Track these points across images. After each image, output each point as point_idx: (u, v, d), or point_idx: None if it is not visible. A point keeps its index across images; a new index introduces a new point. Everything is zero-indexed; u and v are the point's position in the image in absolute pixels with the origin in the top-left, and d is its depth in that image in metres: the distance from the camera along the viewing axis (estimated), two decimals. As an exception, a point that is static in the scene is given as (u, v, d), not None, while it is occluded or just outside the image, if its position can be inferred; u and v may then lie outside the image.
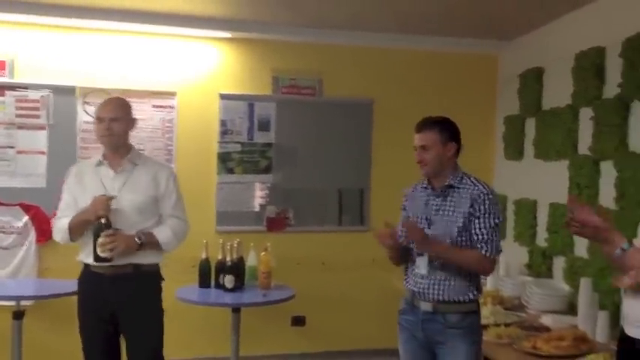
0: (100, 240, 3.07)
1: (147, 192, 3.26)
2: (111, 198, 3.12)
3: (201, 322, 4.74)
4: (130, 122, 3.32)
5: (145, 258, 3.26)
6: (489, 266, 2.87)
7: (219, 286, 4.27)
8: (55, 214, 3.39)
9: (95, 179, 3.24)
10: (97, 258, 3.11)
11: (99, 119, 3.23)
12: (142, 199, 3.24)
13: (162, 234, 3.27)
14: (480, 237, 2.80)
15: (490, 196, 2.83)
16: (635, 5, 3.56)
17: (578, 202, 2.41)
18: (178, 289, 4.27)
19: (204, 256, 4.37)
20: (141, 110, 4.80)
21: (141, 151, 3.45)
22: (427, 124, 2.91)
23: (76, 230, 3.19)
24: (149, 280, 3.35)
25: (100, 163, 3.28)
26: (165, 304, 4.61)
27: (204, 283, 4.35)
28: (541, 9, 4.21)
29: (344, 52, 5.14)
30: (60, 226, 3.24)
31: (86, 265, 3.25)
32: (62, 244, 3.32)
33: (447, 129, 2.89)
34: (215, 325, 4.65)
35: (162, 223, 3.31)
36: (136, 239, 3.16)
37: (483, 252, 2.79)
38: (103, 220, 3.07)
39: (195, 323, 4.76)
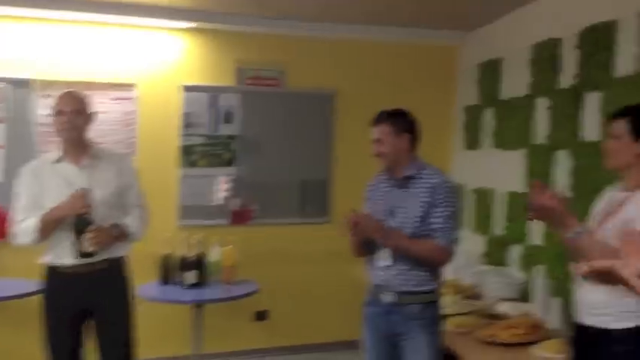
0: (88, 235, 3.02)
1: (114, 185, 3.23)
2: (89, 192, 3.05)
3: (163, 319, 4.66)
4: (90, 116, 3.27)
5: (117, 251, 3.25)
6: (446, 255, 2.91)
7: (181, 282, 4.23)
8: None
9: (56, 176, 3.16)
10: (83, 254, 3.06)
11: (59, 112, 3.14)
12: (111, 193, 3.21)
13: (134, 225, 3.26)
14: (437, 226, 2.84)
15: (448, 185, 2.89)
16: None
17: (540, 187, 2.45)
18: (139, 286, 4.21)
19: (165, 251, 4.32)
20: (101, 102, 4.73)
21: (98, 144, 3.40)
22: (380, 117, 2.96)
23: (48, 229, 3.09)
24: (122, 273, 3.34)
25: (59, 160, 3.19)
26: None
27: (165, 279, 4.29)
28: (499, 1, 4.25)
29: (307, 43, 5.13)
30: (25, 227, 3.10)
31: (54, 267, 3.16)
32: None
33: (399, 121, 2.94)
34: (177, 322, 4.59)
35: (128, 213, 3.28)
36: (113, 232, 3.14)
37: (440, 242, 2.84)
38: (86, 215, 3.03)
39: (156, 321, 4.65)
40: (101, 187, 3.17)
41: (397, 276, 2.89)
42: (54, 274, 3.18)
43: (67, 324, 3.17)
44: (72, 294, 3.15)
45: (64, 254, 3.10)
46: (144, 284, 4.25)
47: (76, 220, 3.03)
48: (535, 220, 2.50)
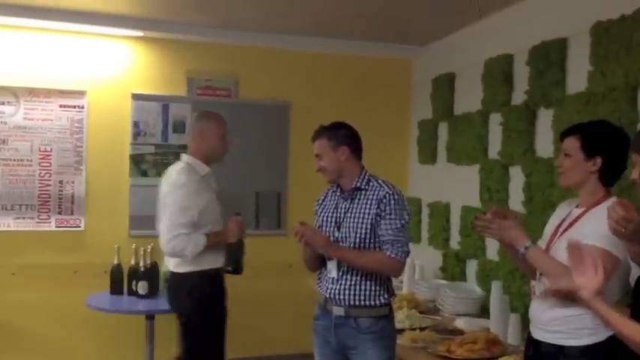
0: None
1: None
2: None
3: (113, 330, 4.56)
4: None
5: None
6: (398, 268, 2.90)
7: (132, 292, 4.16)
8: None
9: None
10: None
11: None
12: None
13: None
14: (387, 238, 2.82)
15: (395, 197, 2.86)
16: (541, 15, 3.69)
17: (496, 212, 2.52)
18: (88, 296, 4.14)
19: (116, 261, 4.26)
20: (48, 110, 4.63)
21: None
22: (317, 132, 2.99)
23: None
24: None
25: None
26: (73, 312, 4.49)
27: (116, 289, 4.24)
28: (452, 16, 4.30)
29: (260, 54, 5.10)
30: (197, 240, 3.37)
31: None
32: None
33: (335, 134, 2.94)
34: (128, 333, 4.49)
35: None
36: None
37: (389, 253, 2.81)
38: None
39: (107, 332, 4.60)
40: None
41: (346, 289, 2.87)
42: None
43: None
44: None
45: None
46: (94, 294, 4.17)
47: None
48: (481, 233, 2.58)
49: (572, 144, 2.45)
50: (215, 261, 3.46)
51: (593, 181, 2.42)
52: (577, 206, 2.49)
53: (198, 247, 3.34)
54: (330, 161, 2.92)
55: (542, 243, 2.58)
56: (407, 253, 2.88)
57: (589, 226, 2.34)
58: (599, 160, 2.39)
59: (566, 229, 2.45)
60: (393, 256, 2.81)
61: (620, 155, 2.39)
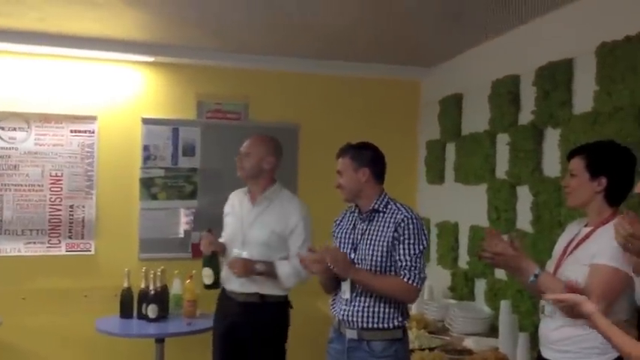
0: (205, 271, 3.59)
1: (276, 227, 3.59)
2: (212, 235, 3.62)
3: (123, 354, 4.55)
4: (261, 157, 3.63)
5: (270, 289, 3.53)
6: (413, 294, 2.88)
7: (142, 316, 4.16)
8: None
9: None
10: (205, 286, 3.61)
11: (237, 152, 3.69)
12: (270, 234, 3.60)
13: (284, 270, 3.51)
14: (404, 264, 2.81)
15: (414, 221, 2.85)
16: (547, 36, 3.72)
17: (494, 233, 2.52)
18: (98, 320, 4.15)
19: (126, 285, 4.27)
20: (59, 135, 4.68)
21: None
22: (342, 150, 3.01)
23: None
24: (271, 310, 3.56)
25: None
26: (83, 336, 4.49)
27: (125, 313, 4.24)
28: (459, 37, 4.34)
29: (270, 77, 5.15)
30: None
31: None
32: None
33: (360, 155, 2.95)
34: (138, 357, 4.45)
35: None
36: (256, 266, 3.49)
37: (406, 280, 2.80)
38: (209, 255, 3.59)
39: (117, 356, 4.58)
40: (261, 227, 3.52)
41: (359, 311, 2.86)
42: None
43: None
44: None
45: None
46: (104, 318, 4.18)
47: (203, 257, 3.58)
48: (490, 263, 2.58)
49: (577, 164, 2.47)
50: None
51: (599, 200, 2.43)
52: (585, 225, 2.50)
53: None
54: (350, 180, 2.94)
55: (551, 263, 2.58)
56: (423, 280, 2.87)
57: (597, 245, 2.35)
58: (604, 180, 2.40)
59: (574, 249, 2.46)
60: (410, 283, 2.80)
61: (625, 175, 2.41)
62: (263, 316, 3.49)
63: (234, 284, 3.52)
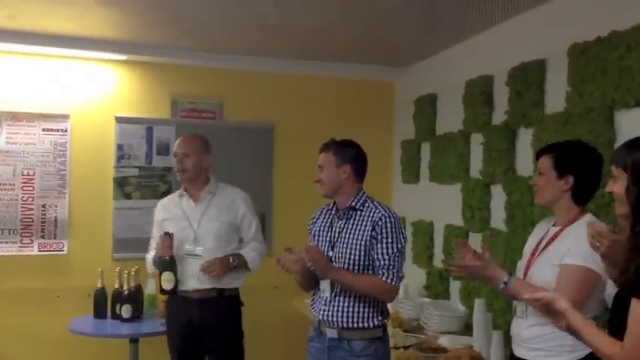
0: (164, 276, 3.50)
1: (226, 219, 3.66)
2: (171, 237, 3.50)
3: (97, 355, 4.51)
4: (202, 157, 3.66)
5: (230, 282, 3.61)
6: (392, 293, 2.89)
7: (116, 316, 4.13)
8: None
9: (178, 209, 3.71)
10: (162, 291, 3.55)
11: (174, 154, 3.68)
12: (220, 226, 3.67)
13: (250, 255, 3.65)
14: (382, 263, 2.82)
15: (392, 220, 2.86)
16: (519, 37, 3.76)
17: (463, 244, 2.56)
18: (72, 321, 4.11)
19: (99, 284, 4.24)
20: (31, 134, 4.62)
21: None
22: (326, 145, 3.02)
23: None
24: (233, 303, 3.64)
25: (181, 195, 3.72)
26: (56, 337, 4.44)
27: (99, 313, 4.21)
28: (434, 38, 4.37)
29: (245, 76, 5.14)
30: (148, 258, 3.76)
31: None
32: None
33: (342, 151, 2.96)
34: (112, 357, 4.44)
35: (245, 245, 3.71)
36: (231, 261, 3.55)
37: (385, 279, 2.81)
38: (165, 258, 3.48)
39: (91, 357, 4.54)
40: (211, 220, 3.55)
41: (339, 311, 2.86)
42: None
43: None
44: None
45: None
46: (77, 318, 4.15)
47: (158, 261, 3.50)
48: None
49: (545, 163, 2.51)
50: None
51: (566, 199, 2.47)
52: (554, 225, 2.53)
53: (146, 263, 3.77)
54: (330, 176, 2.94)
55: (521, 263, 2.62)
56: (401, 279, 2.88)
57: (566, 244, 2.39)
58: (570, 179, 2.44)
59: (544, 248, 2.49)
60: (389, 282, 2.81)
61: (592, 174, 2.45)
62: (221, 311, 3.55)
63: (190, 283, 3.53)
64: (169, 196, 3.84)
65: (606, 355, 1.76)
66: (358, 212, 2.91)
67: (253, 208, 3.72)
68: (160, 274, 3.51)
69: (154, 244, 3.69)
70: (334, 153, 2.96)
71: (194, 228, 3.57)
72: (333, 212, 3.01)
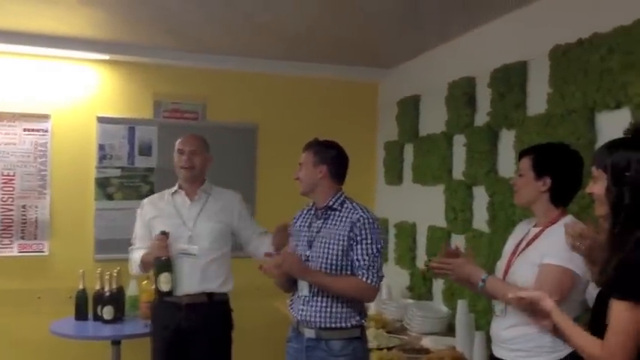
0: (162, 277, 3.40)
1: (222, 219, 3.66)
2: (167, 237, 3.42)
3: (79, 357, 4.47)
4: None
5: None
6: (371, 293, 2.91)
7: (98, 317, 4.11)
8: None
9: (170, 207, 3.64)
10: (160, 293, 3.44)
11: (179, 151, 3.67)
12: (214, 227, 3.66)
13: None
14: (361, 263, 2.83)
15: (370, 221, 2.88)
16: (502, 39, 3.78)
17: (450, 252, 2.61)
18: (53, 323, 4.08)
19: (80, 286, 4.21)
20: (11, 134, 4.57)
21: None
22: (309, 144, 3.06)
23: (147, 267, 3.57)
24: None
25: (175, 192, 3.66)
26: (37, 339, 4.40)
27: (80, 315, 4.18)
28: (417, 39, 4.38)
29: (228, 77, 5.12)
30: (133, 259, 3.65)
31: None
32: None
33: (322, 152, 2.99)
34: (94, 359, 4.40)
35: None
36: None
37: (364, 279, 2.82)
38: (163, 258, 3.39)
39: (72, 359, 4.49)
40: (208, 219, 3.52)
41: (317, 311, 2.88)
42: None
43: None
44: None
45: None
46: (58, 320, 4.11)
47: (155, 262, 3.38)
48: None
49: (525, 164, 2.54)
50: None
51: (544, 200, 2.49)
52: (534, 225, 2.55)
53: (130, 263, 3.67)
54: (307, 174, 2.98)
55: (501, 263, 2.63)
56: (381, 279, 2.90)
57: (545, 245, 2.41)
58: (548, 180, 2.46)
59: (524, 249, 2.51)
60: (368, 282, 2.82)
61: (570, 176, 2.48)
62: (210, 316, 3.48)
63: (181, 285, 3.46)
64: (157, 194, 3.77)
65: (588, 354, 1.78)
66: (336, 212, 2.93)
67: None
68: (157, 275, 3.39)
69: (138, 243, 3.62)
70: (314, 152, 3.00)
71: (189, 227, 3.52)
72: (313, 212, 3.03)
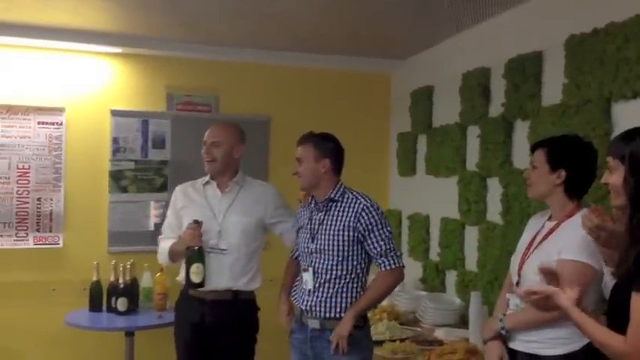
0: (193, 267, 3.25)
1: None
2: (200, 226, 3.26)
3: (93, 348, 4.52)
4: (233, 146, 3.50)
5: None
6: (399, 275, 2.96)
7: (112, 309, 4.13)
8: None
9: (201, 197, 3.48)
10: (192, 285, 3.26)
11: (203, 142, 3.49)
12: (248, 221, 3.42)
13: None
14: (380, 250, 2.86)
15: (375, 207, 2.92)
16: (516, 29, 3.75)
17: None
18: (67, 314, 4.11)
19: (95, 278, 4.23)
20: (26, 127, 4.60)
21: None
22: (305, 138, 3.03)
23: (176, 256, 3.42)
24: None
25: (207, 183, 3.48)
26: (52, 330, 4.44)
27: (95, 306, 4.20)
28: (431, 30, 4.35)
29: (241, 69, 5.11)
30: (161, 249, 3.49)
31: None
32: None
33: (322, 145, 2.97)
34: (108, 350, 4.46)
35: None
36: None
37: (386, 266, 2.87)
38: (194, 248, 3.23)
39: (86, 350, 4.55)
40: (239, 213, 3.34)
41: (322, 301, 2.89)
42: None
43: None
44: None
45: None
46: (73, 311, 4.15)
47: (187, 252, 3.22)
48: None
49: (539, 156, 2.51)
50: None
51: (559, 193, 2.45)
52: (549, 219, 2.52)
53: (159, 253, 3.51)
54: (309, 170, 2.96)
55: (515, 257, 2.61)
56: (401, 257, 2.94)
57: (562, 239, 2.37)
58: (563, 173, 2.43)
59: (540, 243, 2.48)
60: (393, 266, 2.87)
61: (584, 168, 2.44)
62: (235, 315, 3.30)
63: (208, 282, 3.26)
64: (190, 182, 3.53)
65: (612, 350, 1.74)
66: (338, 203, 2.94)
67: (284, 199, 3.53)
68: (188, 265, 3.21)
69: (169, 232, 3.46)
70: (314, 146, 2.98)
71: (218, 221, 3.32)
72: (312, 205, 3.01)
